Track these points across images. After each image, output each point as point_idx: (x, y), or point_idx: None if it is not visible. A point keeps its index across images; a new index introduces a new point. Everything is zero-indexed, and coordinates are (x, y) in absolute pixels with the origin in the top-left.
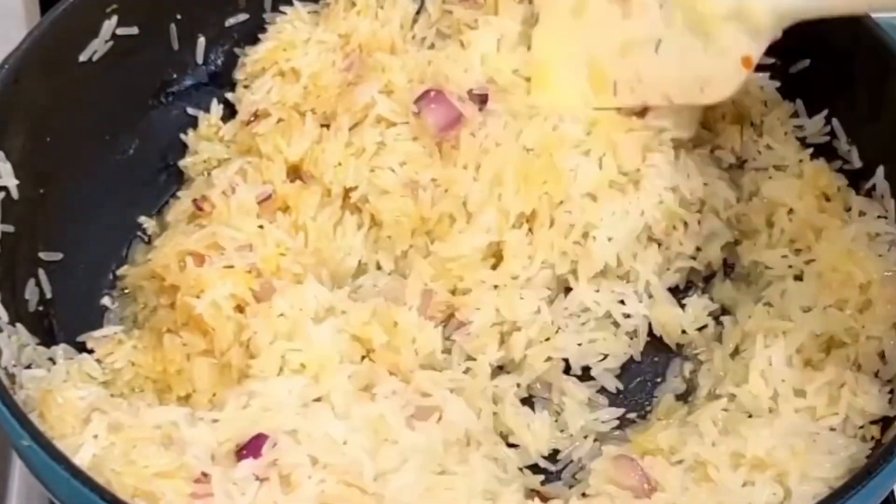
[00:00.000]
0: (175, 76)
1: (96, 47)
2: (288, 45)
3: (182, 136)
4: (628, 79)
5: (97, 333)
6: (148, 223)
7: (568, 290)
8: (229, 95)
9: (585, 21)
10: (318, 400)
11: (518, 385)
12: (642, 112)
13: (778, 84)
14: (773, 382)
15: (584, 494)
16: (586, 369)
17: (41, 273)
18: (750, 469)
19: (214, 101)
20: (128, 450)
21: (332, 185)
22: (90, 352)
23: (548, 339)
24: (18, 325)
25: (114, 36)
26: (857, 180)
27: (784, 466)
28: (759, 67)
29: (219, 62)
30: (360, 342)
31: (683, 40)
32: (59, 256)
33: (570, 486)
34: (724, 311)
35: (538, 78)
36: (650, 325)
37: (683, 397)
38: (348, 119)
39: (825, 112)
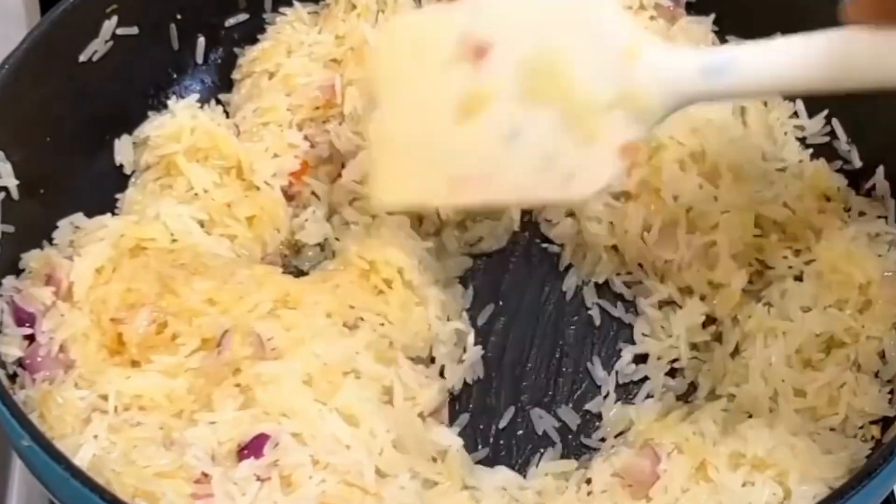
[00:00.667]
0: (175, 76)
1: (96, 47)
2: (283, 48)
3: None
4: (474, 174)
5: None
6: None
7: None
8: (225, 96)
9: (426, 99)
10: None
11: None
12: None
13: None
14: (773, 382)
15: (588, 493)
16: None
17: None
18: (750, 469)
19: (214, 102)
20: (128, 450)
21: None
22: None
23: None
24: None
25: (114, 36)
26: (857, 180)
27: (784, 466)
28: None
29: (219, 62)
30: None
31: (547, 131)
32: None
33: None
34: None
35: (376, 176)
36: None
37: (683, 397)
38: None
39: (825, 112)
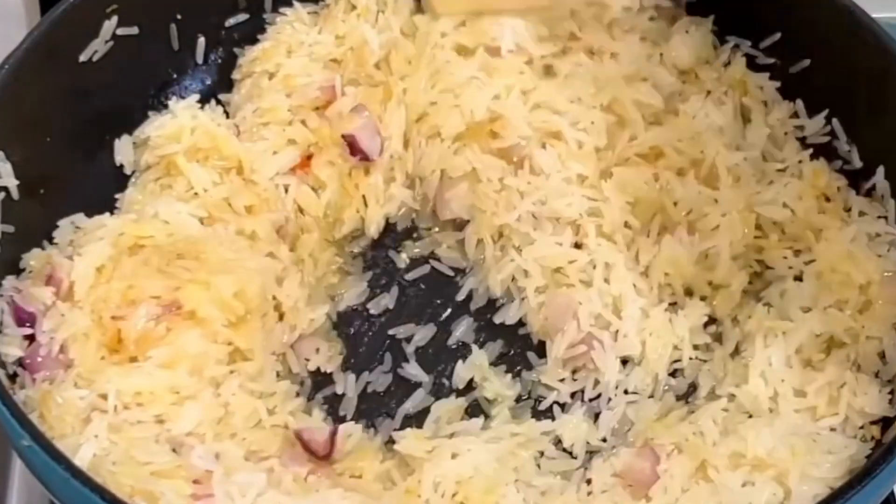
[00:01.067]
0: (175, 76)
1: (96, 47)
2: (283, 48)
3: None
4: None
5: None
6: None
7: None
8: (225, 96)
9: None
10: None
11: None
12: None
13: (778, 84)
14: (773, 382)
15: (588, 493)
16: None
17: None
18: (750, 469)
19: (214, 102)
20: (128, 449)
21: None
22: None
23: None
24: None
25: (114, 36)
26: (857, 180)
27: (784, 466)
28: (760, 67)
29: (219, 62)
30: None
31: None
32: None
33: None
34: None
35: None
36: None
37: (683, 397)
38: None
39: (825, 112)
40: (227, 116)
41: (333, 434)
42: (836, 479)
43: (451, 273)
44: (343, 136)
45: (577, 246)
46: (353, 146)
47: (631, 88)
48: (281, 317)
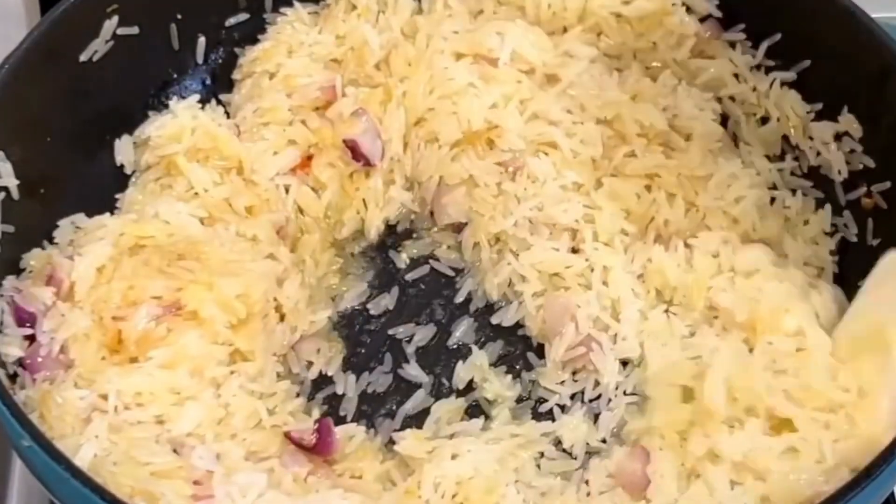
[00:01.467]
0: (175, 76)
1: (96, 47)
2: (284, 48)
3: None
4: None
5: None
6: None
7: None
8: (226, 96)
9: None
10: None
11: None
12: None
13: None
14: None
15: (587, 494)
16: None
17: None
18: (748, 471)
19: (214, 102)
20: (128, 449)
21: None
22: None
23: None
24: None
25: (114, 36)
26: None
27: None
28: (759, 68)
29: (219, 62)
30: None
31: None
32: None
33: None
34: None
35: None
36: None
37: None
38: None
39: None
40: (228, 116)
41: (320, 426)
42: (837, 480)
43: (452, 273)
44: (344, 142)
45: (574, 251)
46: (354, 151)
47: (633, 108)
48: (282, 318)
